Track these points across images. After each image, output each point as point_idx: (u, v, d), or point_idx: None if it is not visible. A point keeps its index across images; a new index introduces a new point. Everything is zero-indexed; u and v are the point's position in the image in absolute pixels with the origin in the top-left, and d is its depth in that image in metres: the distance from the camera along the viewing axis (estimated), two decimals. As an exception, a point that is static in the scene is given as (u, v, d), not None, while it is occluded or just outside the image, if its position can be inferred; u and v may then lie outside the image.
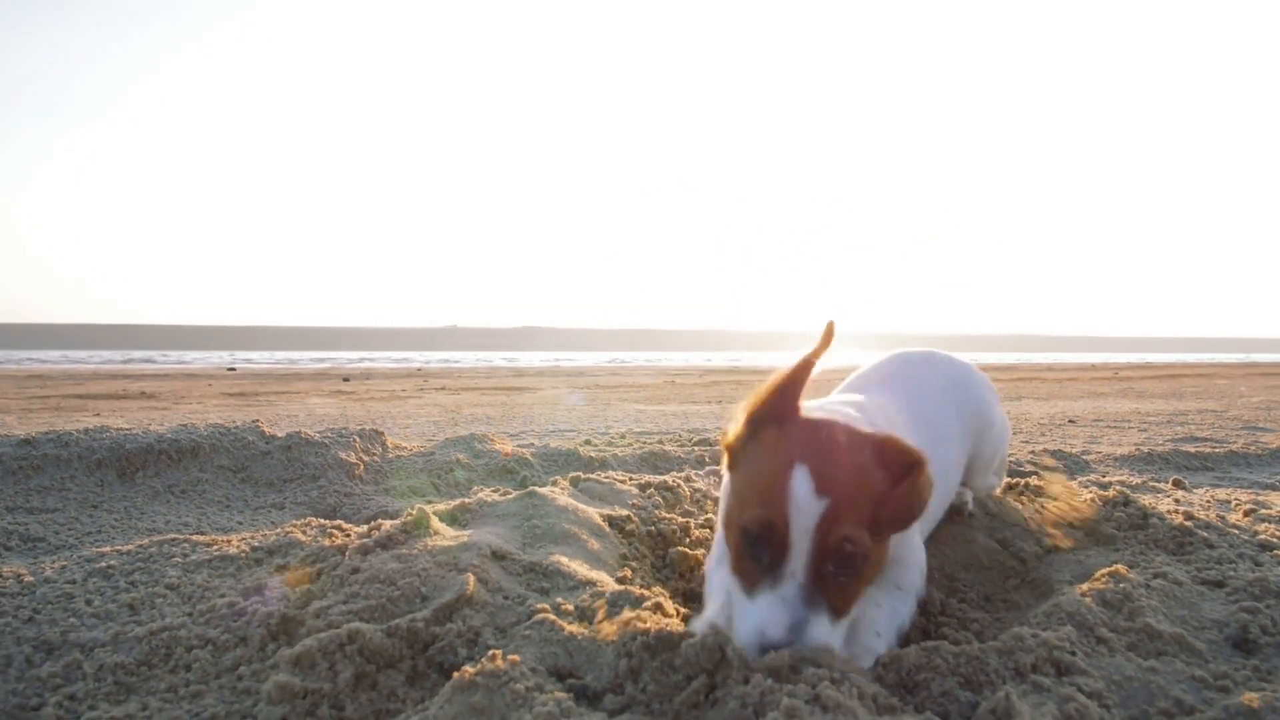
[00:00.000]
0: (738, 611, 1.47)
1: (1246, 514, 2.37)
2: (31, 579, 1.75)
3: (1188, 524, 2.06)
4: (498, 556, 1.83)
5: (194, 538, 1.97)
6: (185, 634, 1.54)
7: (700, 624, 1.49)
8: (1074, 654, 1.44)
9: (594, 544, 2.07)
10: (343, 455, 3.00)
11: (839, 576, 1.40)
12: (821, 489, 1.36)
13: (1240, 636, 1.59)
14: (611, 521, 2.20)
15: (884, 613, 1.65)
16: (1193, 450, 4.90)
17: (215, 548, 1.91)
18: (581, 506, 2.21)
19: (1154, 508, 2.16)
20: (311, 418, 7.64)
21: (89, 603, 1.65)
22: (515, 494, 2.22)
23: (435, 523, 1.93)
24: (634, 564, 2.04)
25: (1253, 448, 5.11)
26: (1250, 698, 1.29)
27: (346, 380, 16.87)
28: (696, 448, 3.95)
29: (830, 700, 1.22)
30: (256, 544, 1.92)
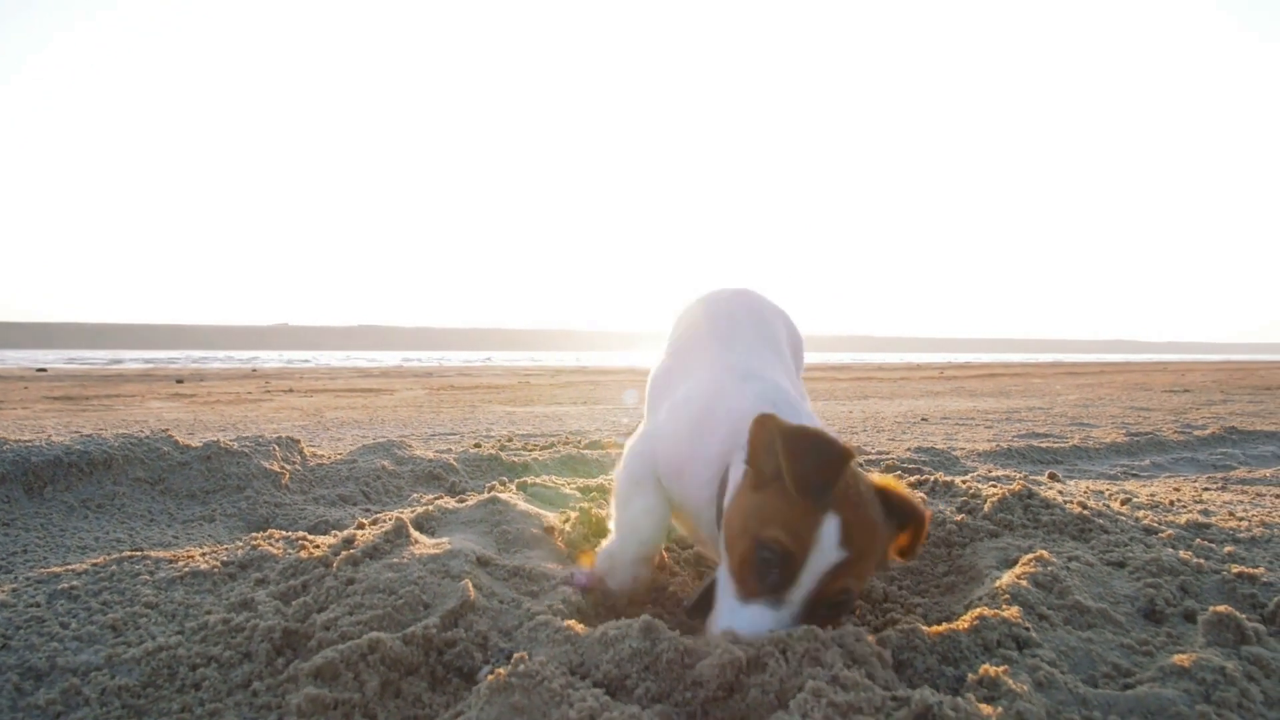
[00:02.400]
0: (726, 607, 1.58)
1: (1123, 503, 2.71)
2: (-14, 604, 1.64)
3: (1085, 512, 2.35)
4: (482, 563, 1.87)
5: (152, 554, 1.90)
6: (184, 653, 1.51)
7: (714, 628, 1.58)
8: (1029, 630, 1.64)
9: (561, 546, 2.13)
10: (266, 464, 2.90)
11: (825, 615, 1.54)
12: (844, 542, 1.48)
13: (1149, 609, 1.85)
14: (566, 523, 2.28)
15: None
16: (1043, 446, 5.47)
17: (181, 564, 1.85)
18: (540, 511, 2.27)
19: (1055, 499, 2.44)
20: (162, 423, 7.20)
21: (65, 626, 1.58)
22: (475, 500, 2.26)
23: (413, 531, 1.94)
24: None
25: (1090, 442, 5.75)
26: (1181, 659, 1.53)
27: (180, 382, 15.89)
28: (593, 450, 4.06)
29: (848, 680, 1.37)
30: (226, 559, 1.87)
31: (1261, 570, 1.98)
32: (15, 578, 1.83)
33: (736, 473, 1.69)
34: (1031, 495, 2.46)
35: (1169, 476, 4.53)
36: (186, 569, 1.82)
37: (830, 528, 1.47)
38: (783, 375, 2.12)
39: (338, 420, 7.85)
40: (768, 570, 1.50)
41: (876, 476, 1.67)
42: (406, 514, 2.15)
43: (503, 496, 2.27)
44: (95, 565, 1.83)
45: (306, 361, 30.54)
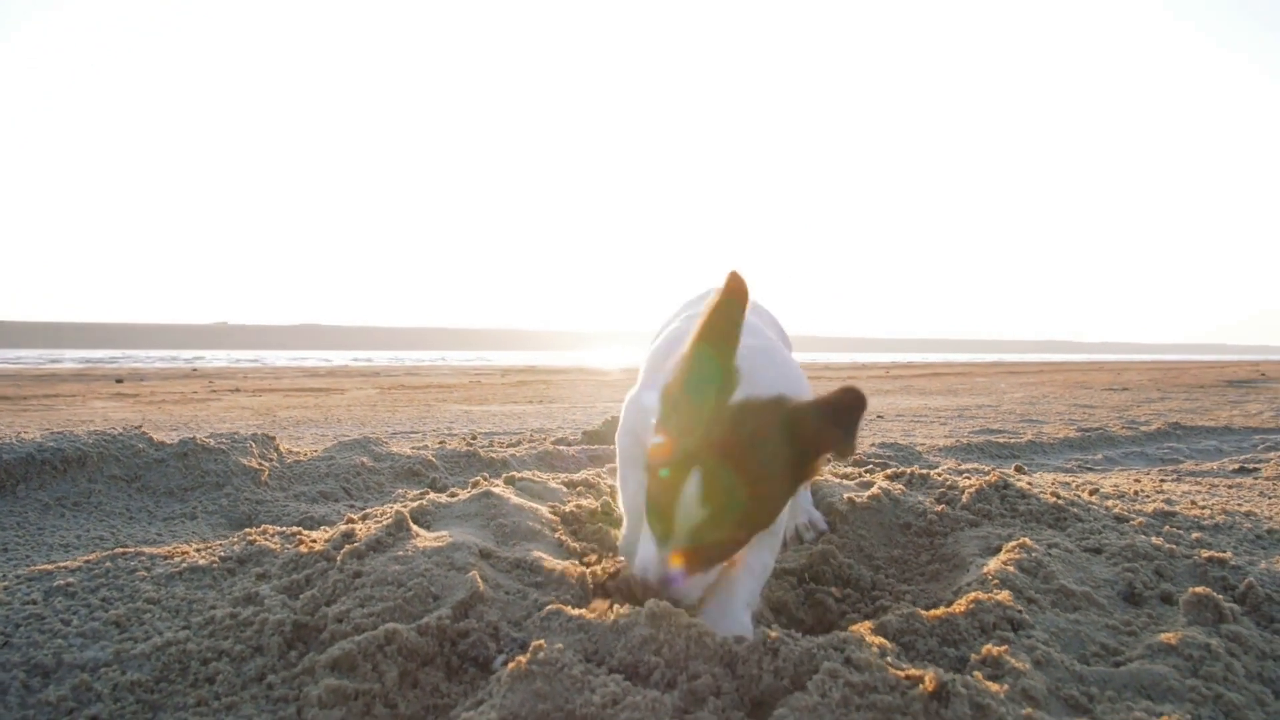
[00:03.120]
0: (643, 541, 1.60)
1: (1091, 493, 2.82)
2: (-22, 602, 1.60)
3: (1060, 502, 2.44)
4: (484, 555, 1.88)
5: (145, 550, 1.87)
6: (194, 647, 1.49)
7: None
8: (1022, 612, 1.70)
9: (556, 537, 2.15)
10: (244, 461, 2.85)
11: (715, 554, 1.57)
12: (705, 499, 1.44)
13: (1129, 592, 1.93)
14: (562, 517, 2.29)
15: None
16: (1001, 441, 5.63)
17: (178, 560, 1.82)
18: (534, 504, 2.28)
19: (1030, 489, 2.53)
20: (109, 422, 7.01)
21: (66, 623, 1.55)
22: (468, 495, 2.26)
23: (413, 525, 1.94)
24: (594, 553, 2.14)
25: (1043, 438, 5.93)
26: (1168, 637, 1.61)
27: (120, 381, 15.47)
28: (569, 447, 4.07)
29: (861, 660, 1.41)
30: (224, 554, 1.85)
31: (1229, 555, 2.09)
32: (4, 575, 1.79)
33: None
34: (1007, 486, 2.55)
35: (1121, 470, 4.71)
36: (184, 564, 1.79)
37: (690, 486, 1.43)
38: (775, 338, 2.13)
39: (292, 419, 7.72)
40: (655, 520, 1.53)
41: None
42: (403, 508, 2.14)
43: (495, 490, 2.27)
44: (88, 562, 1.80)
45: (254, 361, 29.88)
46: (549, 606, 1.65)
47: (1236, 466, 4.62)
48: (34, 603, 1.62)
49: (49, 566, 1.78)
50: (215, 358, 33.80)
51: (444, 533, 1.97)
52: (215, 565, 1.81)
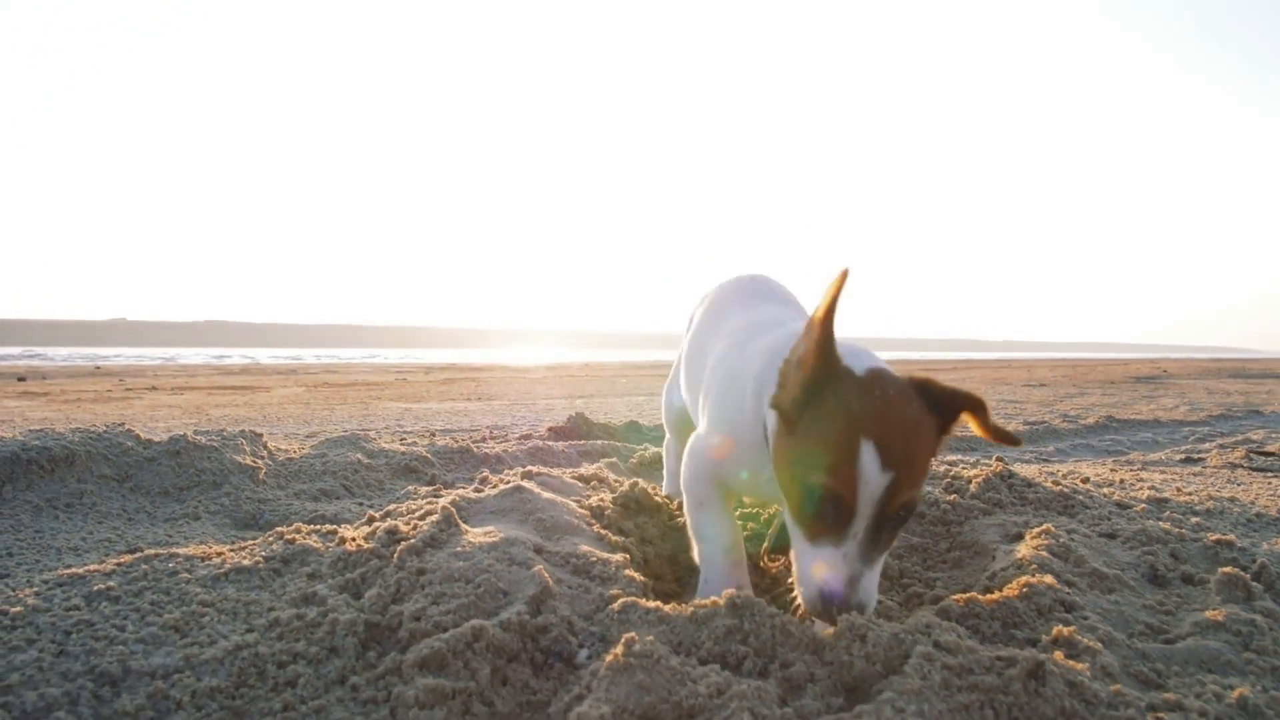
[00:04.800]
0: (799, 551, 1.54)
1: (1084, 481, 2.93)
2: (18, 610, 1.50)
3: (1064, 490, 2.53)
4: (538, 550, 1.85)
5: (178, 551, 1.78)
6: (266, 650, 1.43)
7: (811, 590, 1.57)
8: (1073, 596, 1.76)
9: (594, 531, 2.13)
10: (238, 459, 2.73)
11: (889, 531, 1.50)
12: (886, 464, 1.42)
13: (1152, 574, 2.02)
14: (591, 511, 2.27)
15: None
16: (956, 434, 5.74)
17: (218, 561, 1.74)
18: (563, 499, 2.25)
19: (1035, 479, 2.62)
20: (29, 422, 6.65)
21: (120, 628, 1.46)
22: (498, 490, 2.21)
23: (460, 522, 1.90)
24: (633, 546, 2.13)
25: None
26: (1213, 614, 1.68)
27: (22, 380, 14.65)
28: (557, 443, 4.05)
29: (949, 644, 1.44)
30: (266, 554, 1.78)
31: (1234, 537, 2.20)
32: (30, 581, 1.68)
33: (771, 420, 1.63)
34: (1012, 475, 2.64)
35: (1076, 460, 4.92)
36: (228, 566, 1.71)
37: (869, 455, 1.41)
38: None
39: (227, 418, 7.44)
40: (823, 513, 1.47)
41: (915, 373, 1.61)
42: (448, 504, 2.09)
43: (526, 486, 2.23)
44: (121, 565, 1.70)
45: (162, 359, 28.64)
46: (622, 599, 1.63)
47: (1183, 457, 4.89)
48: (77, 608, 1.53)
49: (78, 571, 1.68)
50: (118, 355, 32.28)
51: (490, 528, 1.94)
52: (260, 565, 1.73)
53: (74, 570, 1.67)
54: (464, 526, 1.89)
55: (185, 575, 1.67)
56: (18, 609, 1.50)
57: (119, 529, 2.21)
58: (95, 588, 1.59)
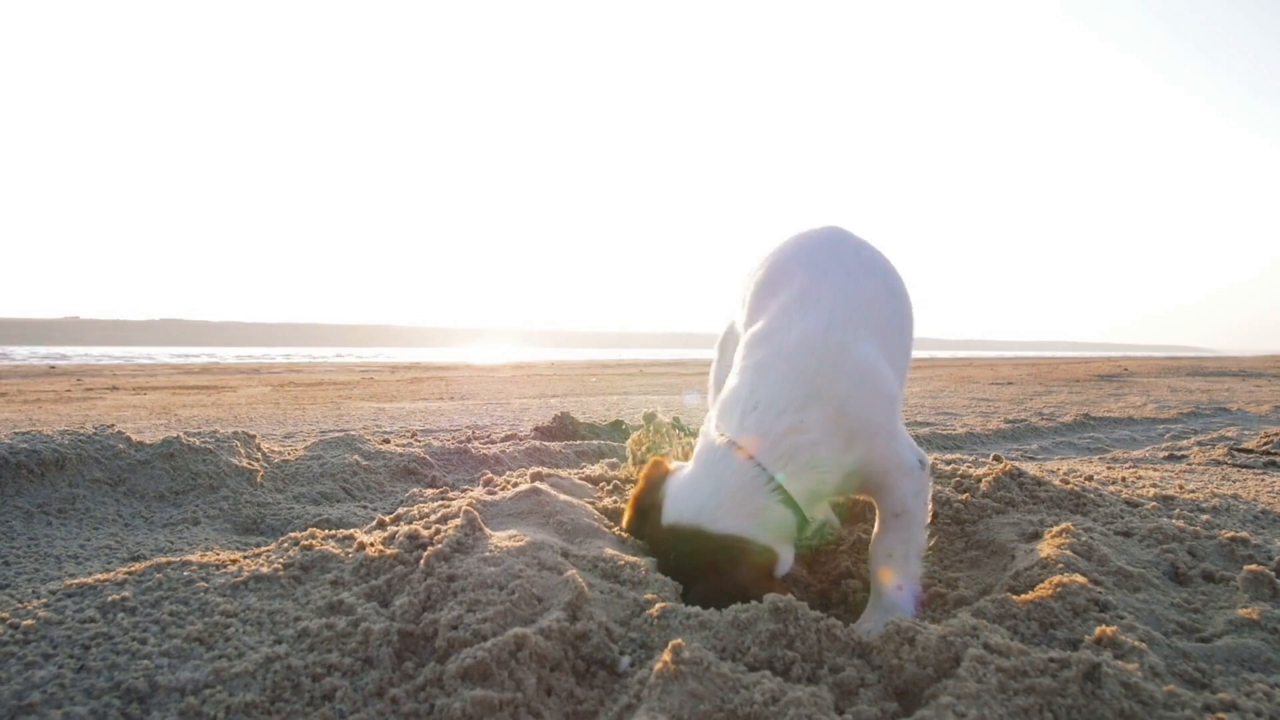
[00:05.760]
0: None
1: (1088, 479, 2.94)
2: (30, 622, 1.43)
3: (1074, 488, 2.53)
4: (564, 554, 1.81)
5: (189, 559, 1.70)
6: (299, 663, 1.37)
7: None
8: (1105, 595, 1.76)
9: (615, 533, 2.09)
10: (235, 461, 2.64)
11: None
12: None
13: (1173, 572, 2.02)
14: (606, 512, 2.23)
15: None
16: (943, 433, 5.85)
17: (235, 568, 1.67)
18: (579, 501, 2.21)
19: (1044, 477, 2.62)
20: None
21: (141, 641, 1.40)
22: (514, 492, 2.16)
23: (483, 525, 1.84)
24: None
25: (978, 429, 6.20)
26: (1246, 612, 1.68)
27: (-33, 379, 14.23)
28: (554, 443, 3.99)
29: (999, 645, 1.42)
30: (285, 561, 1.71)
31: (1247, 534, 2.22)
32: (36, 592, 1.60)
33: None
34: (1022, 474, 2.64)
35: (1061, 458, 4.97)
36: (246, 574, 1.65)
37: None
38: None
39: (197, 419, 7.27)
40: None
41: None
42: (470, 507, 2.03)
43: (541, 487, 2.18)
44: (134, 574, 1.62)
45: (125, 358, 28.00)
46: (660, 604, 1.59)
47: (1165, 454, 4.96)
48: (93, 620, 1.46)
49: (87, 580, 1.60)
50: (73, 354, 31.52)
51: (513, 531, 1.88)
52: (280, 573, 1.67)
53: (83, 580, 1.59)
54: (488, 531, 1.84)
55: (202, 584, 1.60)
56: (29, 622, 1.43)
57: (117, 535, 2.12)
58: (109, 598, 1.52)
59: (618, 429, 5.38)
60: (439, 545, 1.69)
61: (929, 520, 1.93)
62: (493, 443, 4.22)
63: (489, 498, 2.16)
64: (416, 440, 4.25)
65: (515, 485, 2.31)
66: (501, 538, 1.83)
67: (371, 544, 1.79)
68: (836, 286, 1.93)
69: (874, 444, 1.86)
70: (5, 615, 1.45)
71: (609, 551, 1.89)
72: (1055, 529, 2.17)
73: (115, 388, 12.18)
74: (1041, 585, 1.80)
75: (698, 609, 1.57)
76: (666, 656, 1.34)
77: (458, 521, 1.81)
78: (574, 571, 1.66)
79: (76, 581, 1.59)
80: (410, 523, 2.03)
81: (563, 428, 5.04)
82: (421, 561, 1.66)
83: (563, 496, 2.19)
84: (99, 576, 1.62)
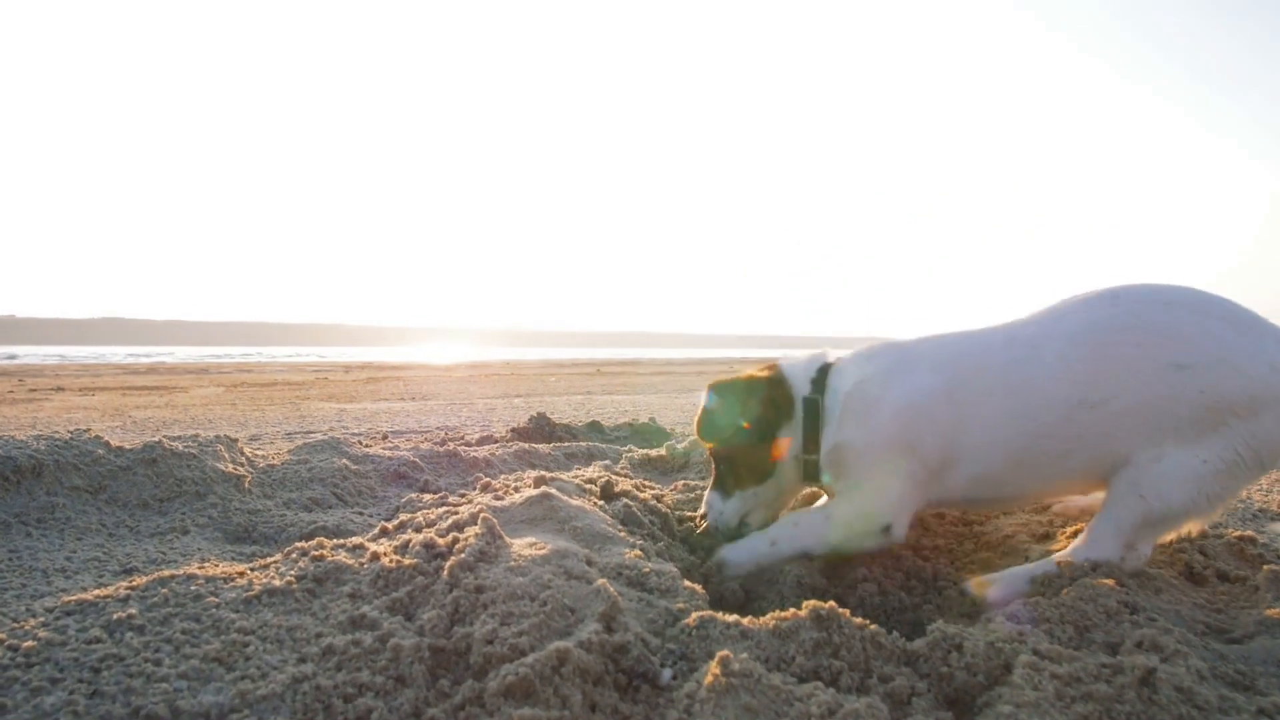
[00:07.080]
0: None
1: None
2: (31, 644, 1.33)
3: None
4: (589, 563, 1.75)
5: (193, 573, 1.61)
6: (327, 683, 1.29)
7: None
8: (1135, 596, 1.75)
9: (630, 537, 2.04)
10: (221, 467, 2.53)
11: None
12: None
13: (1189, 572, 2.03)
14: (618, 517, 2.18)
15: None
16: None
17: (245, 583, 1.58)
18: (590, 506, 2.15)
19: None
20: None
21: (156, 663, 1.30)
22: (524, 498, 2.09)
23: (503, 533, 1.77)
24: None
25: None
26: (1273, 612, 1.68)
27: (-100, 380, 13.69)
28: (542, 445, 3.90)
29: (1049, 651, 1.41)
30: (297, 573, 1.62)
31: (1253, 533, 2.23)
32: (31, 610, 1.50)
33: None
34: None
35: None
36: (259, 587, 1.56)
37: None
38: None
39: (153, 420, 7.03)
40: None
41: None
42: (486, 514, 1.96)
43: (553, 492, 2.12)
44: (135, 589, 1.53)
45: (66, 358, 27.12)
46: (697, 614, 1.54)
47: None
48: (100, 640, 1.36)
49: (86, 596, 1.50)
50: (11, 354, 30.48)
51: (531, 539, 1.82)
52: (293, 586, 1.58)
53: (81, 596, 1.49)
54: (508, 539, 1.77)
55: (212, 599, 1.51)
56: (29, 643, 1.33)
57: (103, 546, 2.01)
58: (114, 616, 1.42)
59: (597, 430, 5.31)
60: (461, 555, 1.62)
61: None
62: (470, 445, 4.13)
63: (497, 504, 2.08)
64: (387, 442, 4.15)
65: (519, 490, 2.25)
66: (522, 545, 1.76)
67: (385, 554, 1.71)
68: None
69: None
70: (3, 636, 1.35)
71: (631, 558, 1.83)
72: (1068, 530, 2.17)
73: (60, 389, 11.77)
74: (1068, 588, 1.79)
75: (735, 617, 1.53)
76: (715, 669, 1.29)
77: (477, 530, 1.74)
78: (604, 581, 1.59)
79: (75, 598, 1.49)
80: (418, 530, 1.96)
81: (540, 429, 4.97)
82: (445, 572, 1.58)
83: (575, 501, 2.12)
84: (98, 592, 1.52)
